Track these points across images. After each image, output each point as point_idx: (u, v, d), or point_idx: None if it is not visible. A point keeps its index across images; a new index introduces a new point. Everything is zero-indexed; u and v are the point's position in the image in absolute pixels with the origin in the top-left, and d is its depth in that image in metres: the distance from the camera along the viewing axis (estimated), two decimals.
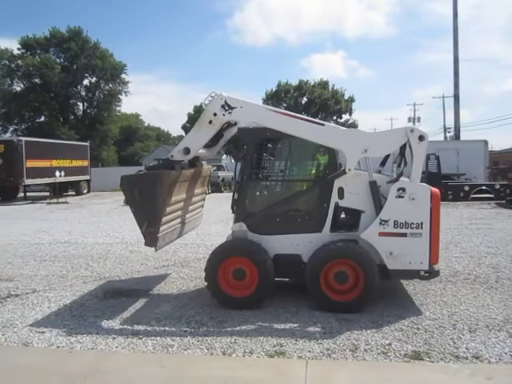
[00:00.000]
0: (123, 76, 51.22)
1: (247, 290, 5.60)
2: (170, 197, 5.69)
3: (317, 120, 5.67)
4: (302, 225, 5.77)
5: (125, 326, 5.20)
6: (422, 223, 5.37)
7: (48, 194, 28.33)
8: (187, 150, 5.74)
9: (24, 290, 6.75)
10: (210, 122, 5.61)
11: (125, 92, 52.00)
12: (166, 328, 5.15)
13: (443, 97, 48.49)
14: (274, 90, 45.47)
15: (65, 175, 25.95)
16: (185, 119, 58.03)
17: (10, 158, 24.67)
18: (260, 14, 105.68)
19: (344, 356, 4.40)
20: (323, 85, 44.26)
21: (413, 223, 5.38)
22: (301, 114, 34.54)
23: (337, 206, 5.68)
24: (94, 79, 50.64)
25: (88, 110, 51.69)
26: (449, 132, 45.37)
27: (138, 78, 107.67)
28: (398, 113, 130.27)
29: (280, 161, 6.11)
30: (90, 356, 4.39)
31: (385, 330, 5.01)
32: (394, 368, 4.17)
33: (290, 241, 5.70)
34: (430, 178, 21.25)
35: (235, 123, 6.23)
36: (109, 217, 16.41)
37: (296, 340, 4.77)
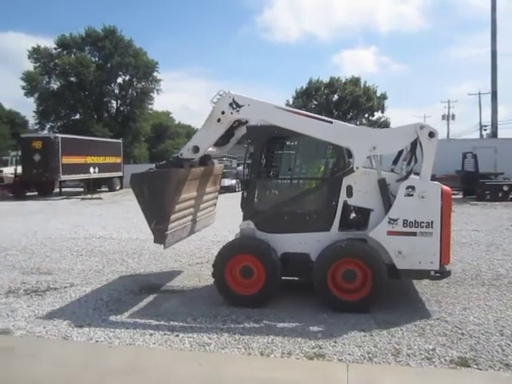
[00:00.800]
0: (155, 74, 51.88)
1: (254, 288, 5.57)
2: (179, 195, 5.71)
3: (324, 117, 5.59)
4: (310, 223, 5.72)
5: (161, 323, 5.20)
6: (432, 222, 5.24)
7: (82, 189, 29.04)
8: (196, 149, 5.74)
9: (62, 284, 6.87)
10: (219, 120, 5.61)
11: (157, 90, 52.69)
12: (202, 326, 5.11)
13: (479, 93, 47.05)
14: (304, 87, 45.08)
15: (98, 171, 26.47)
16: None
17: (46, 155, 25.38)
18: (289, 10, 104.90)
19: (386, 360, 4.25)
20: (355, 81, 43.63)
21: (422, 222, 5.25)
22: (332, 111, 34.39)
23: (345, 204, 5.61)
24: (127, 77, 51.50)
25: (121, 108, 52.61)
26: (485, 130, 43.93)
27: (168, 76, 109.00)
28: (431, 110, 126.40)
29: (288, 159, 6.07)
30: (129, 352, 4.41)
31: (427, 334, 4.82)
32: (440, 375, 4.00)
33: (298, 239, 5.66)
34: (466, 177, 20.70)
35: (246, 121, 6.17)
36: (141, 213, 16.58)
37: (335, 342, 4.65)
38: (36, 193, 27.49)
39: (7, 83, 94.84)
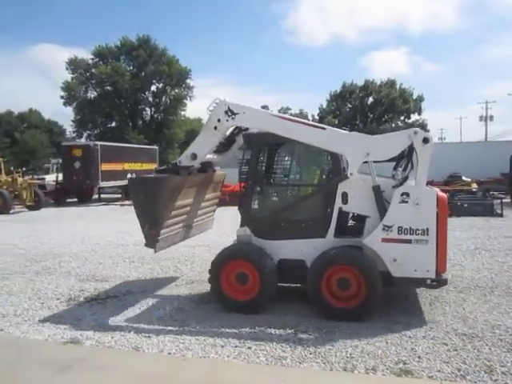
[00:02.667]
0: (188, 81, 52.44)
1: (249, 294, 5.56)
2: (174, 201, 5.77)
3: (318, 124, 5.60)
4: (306, 230, 5.68)
5: (229, 334, 5.01)
6: (427, 229, 5.12)
7: (120, 195, 29.45)
8: (194, 156, 5.81)
9: (120, 292, 6.80)
10: (215, 127, 5.69)
11: (189, 97, 53.22)
12: (273, 337, 4.89)
13: None
14: (338, 90, 44.57)
15: None
16: None
17: (86, 162, 25.88)
18: (315, 13, 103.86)
19: (481, 379, 3.93)
20: (390, 84, 42.79)
21: (418, 229, 5.14)
22: (366, 114, 33.89)
23: (341, 211, 5.56)
24: (160, 85, 52.23)
25: (155, 115, 53.38)
26: None
27: (197, 83, 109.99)
28: (466, 111, 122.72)
29: (283, 165, 6.10)
30: (205, 365, 4.23)
31: None
32: None
33: (295, 246, 5.65)
34: None
35: (247, 128, 6.17)
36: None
37: (419, 358, 4.36)
38: (76, 199, 28.07)
39: (44, 93, 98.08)
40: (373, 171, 5.44)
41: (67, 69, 50.16)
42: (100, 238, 12.12)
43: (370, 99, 43.66)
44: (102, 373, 4.05)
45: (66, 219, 17.84)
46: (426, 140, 5.17)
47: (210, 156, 6.25)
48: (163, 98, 52.93)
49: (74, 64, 50.08)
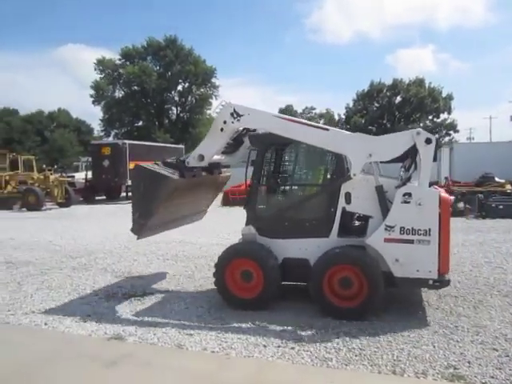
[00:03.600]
0: (213, 80, 52.76)
1: (253, 292, 5.63)
2: (170, 200, 5.93)
3: (321, 125, 5.67)
4: (309, 229, 5.72)
5: (270, 333, 4.95)
6: (429, 230, 5.11)
7: None
8: (202, 157, 5.91)
9: (157, 289, 6.83)
10: (222, 129, 5.78)
11: (215, 96, 53.53)
12: (316, 338, 4.81)
13: None
14: (365, 89, 44.04)
15: None
16: None
17: (115, 160, 26.28)
18: (340, 11, 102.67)
19: None
20: (419, 82, 42.00)
21: (420, 230, 5.13)
22: (394, 113, 33.34)
23: (344, 210, 5.57)
24: (186, 84, 52.71)
25: (181, 114, 53.93)
26: None
27: (221, 82, 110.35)
28: (496, 110, 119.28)
29: (288, 165, 6.21)
30: (250, 365, 4.19)
31: None
32: None
33: (299, 245, 5.69)
34: None
35: (254, 130, 6.26)
36: (210, 217, 16.63)
37: (469, 363, 4.21)
38: (104, 197, 28.56)
39: (70, 93, 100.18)
40: (375, 171, 5.48)
41: (95, 69, 51.19)
42: (131, 235, 12.20)
43: (398, 98, 42.97)
44: (148, 369, 4.05)
45: (97, 216, 18.15)
46: (428, 140, 5.15)
47: (218, 157, 6.35)
48: (189, 98, 53.46)
49: (102, 64, 51.05)
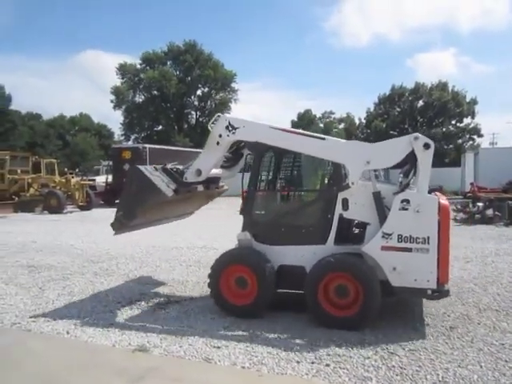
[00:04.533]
0: (233, 85, 52.79)
1: (248, 299, 5.53)
2: (158, 209, 6.03)
3: (317, 134, 5.56)
4: (306, 236, 5.59)
5: (303, 347, 4.67)
6: (428, 238, 4.92)
7: None
8: (199, 172, 5.87)
9: (181, 297, 6.61)
10: (218, 143, 5.74)
11: (234, 100, 53.55)
12: (351, 354, 4.51)
13: None
14: (386, 93, 43.45)
15: None
16: (288, 127, 58.19)
17: (135, 164, 26.34)
18: (359, 14, 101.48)
19: None
20: (442, 86, 41.21)
21: (418, 238, 4.96)
22: (416, 118, 32.67)
23: (341, 217, 5.42)
24: (206, 89, 52.87)
25: (200, 119, 54.06)
26: None
27: (240, 87, 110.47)
28: None
29: (285, 171, 6.16)
30: (284, 383, 3.90)
31: None
32: None
33: (295, 252, 5.58)
34: None
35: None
36: (233, 223, 16.42)
37: None
38: None
39: (91, 98, 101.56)
40: (373, 177, 5.34)
41: (117, 74, 51.73)
42: (152, 240, 12.07)
43: (420, 102, 42.21)
44: None
45: None
46: (427, 145, 5.01)
47: (217, 171, 6.33)
48: (208, 102, 53.56)
49: (123, 69, 51.53)
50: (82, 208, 22.91)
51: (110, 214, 19.60)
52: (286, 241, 5.65)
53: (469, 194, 24.71)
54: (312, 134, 5.58)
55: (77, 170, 33.47)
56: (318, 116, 61.22)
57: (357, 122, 47.29)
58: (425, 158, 5.04)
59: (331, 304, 5.22)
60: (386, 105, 42.91)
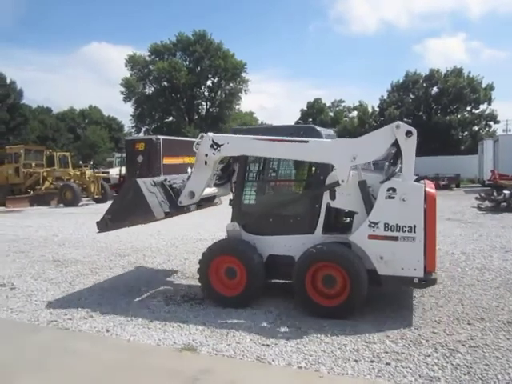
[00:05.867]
0: (243, 75, 52.26)
1: (237, 289, 5.56)
2: (145, 223, 6.22)
3: (300, 138, 5.44)
4: (294, 226, 5.61)
5: (356, 343, 4.42)
6: (414, 226, 4.89)
7: None
8: (192, 194, 5.92)
9: None
10: (205, 162, 5.75)
11: (244, 90, 53.08)
12: (411, 352, 4.24)
13: None
14: (400, 81, 42.71)
15: None
16: (297, 116, 57.66)
17: (149, 156, 26.01)
18: (364, 0, 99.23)
19: None
20: (457, 72, 40.37)
21: (405, 226, 4.93)
22: (430, 105, 31.89)
23: (329, 206, 5.40)
24: (216, 79, 52.41)
25: (210, 109, 53.72)
26: None
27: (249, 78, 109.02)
28: None
29: (273, 161, 6.06)
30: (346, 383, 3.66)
31: None
32: None
33: (283, 242, 5.60)
34: None
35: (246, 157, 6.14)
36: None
37: None
38: None
39: (99, 91, 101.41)
40: (359, 166, 5.27)
41: (126, 65, 51.39)
42: (176, 232, 11.89)
43: (435, 89, 41.43)
44: None
45: None
46: (408, 133, 4.94)
47: (211, 190, 6.38)
48: (218, 93, 53.15)
49: (132, 61, 51.20)
50: (97, 201, 22.82)
51: None
52: (275, 231, 5.66)
53: (489, 182, 24.29)
54: (295, 138, 5.48)
55: (92, 163, 33.35)
56: (327, 105, 60.65)
57: (370, 110, 46.63)
58: (408, 146, 4.97)
59: (318, 293, 5.20)
60: (399, 92, 42.17)
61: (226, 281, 5.63)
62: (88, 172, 23.37)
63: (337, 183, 5.22)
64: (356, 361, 4.09)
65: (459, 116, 41.10)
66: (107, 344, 4.56)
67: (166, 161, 28.97)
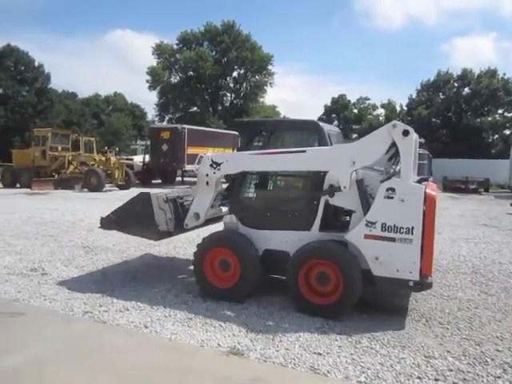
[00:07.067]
0: (269, 67, 51.72)
1: (230, 282, 5.52)
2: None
3: (298, 149, 5.37)
4: (291, 222, 5.53)
5: (415, 359, 4.06)
6: (412, 228, 4.74)
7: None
8: (197, 216, 5.90)
9: (255, 290, 6.03)
10: (207, 183, 5.77)
11: (270, 83, 52.57)
12: (477, 371, 3.87)
13: None
14: (430, 80, 41.66)
15: None
16: (321, 111, 56.95)
17: (174, 145, 26.04)
18: None
19: None
20: (491, 73, 39.15)
21: (402, 227, 4.78)
22: (461, 106, 30.95)
23: (327, 204, 5.30)
24: (242, 71, 52.00)
25: (235, 101, 53.37)
26: None
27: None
28: None
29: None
30: None
31: None
32: None
33: (280, 237, 5.54)
34: None
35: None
36: None
37: None
38: (160, 181, 28.49)
39: (122, 78, 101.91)
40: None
41: (153, 53, 51.36)
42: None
43: (467, 90, 40.28)
44: None
45: None
46: (405, 132, 4.80)
47: (215, 211, 6.27)
48: (244, 84, 52.74)
49: (160, 49, 51.11)
50: (121, 187, 22.75)
51: None
52: (272, 225, 5.60)
53: None
54: (292, 149, 5.40)
55: (117, 149, 33.40)
56: (352, 101, 59.66)
57: (398, 108, 45.68)
58: (405, 146, 4.83)
59: (312, 291, 5.14)
60: (429, 91, 41.13)
61: (219, 273, 5.62)
62: (113, 158, 23.30)
63: (338, 188, 5.12)
64: (419, 378, 3.74)
65: (490, 119, 39.92)
66: (147, 341, 4.29)
67: (190, 150, 28.67)
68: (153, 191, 6.11)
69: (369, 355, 4.12)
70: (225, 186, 6.63)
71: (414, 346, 4.37)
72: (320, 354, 4.12)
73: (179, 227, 6.03)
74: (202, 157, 5.85)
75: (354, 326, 4.82)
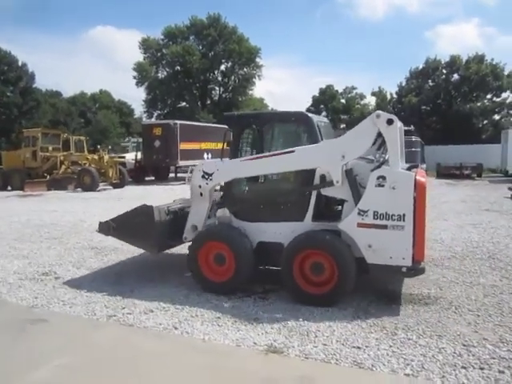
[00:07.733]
0: (257, 60, 51.33)
1: (225, 275, 5.55)
2: None
3: (287, 150, 5.37)
4: (284, 213, 5.58)
5: (455, 347, 4.00)
6: (404, 215, 4.80)
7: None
8: (195, 227, 5.92)
9: (277, 283, 5.91)
10: (201, 194, 5.81)
11: (258, 76, 52.22)
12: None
13: None
14: (419, 67, 41.71)
15: (211, 157, 26.33)
16: (309, 103, 56.86)
17: (166, 141, 25.76)
18: None
19: None
20: (479, 59, 39.29)
21: (394, 215, 4.85)
22: (450, 92, 30.83)
23: (319, 194, 5.35)
24: (229, 64, 51.53)
25: (223, 95, 52.93)
26: None
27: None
28: None
29: (264, 147, 5.90)
30: None
31: None
32: None
33: (273, 229, 5.57)
34: None
35: None
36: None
37: None
38: (153, 178, 28.20)
39: (106, 75, 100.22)
40: None
41: (139, 48, 50.66)
42: None
43: (456, 76, 40.40)
44: None
45: (155, 197, 17.51)
46: (389, 121, 4.87)
47: (212, 222, 6.13)
48: (232, 78, 52.32)
49: (146, 44, 50.43)
50: (115, 185, 22.45)
51: (145, 191, 19.32)
52: (265, 217, 5.62)
53: None
54: (281, 151, 5.40)
55: (110, 148, 32.93)
56: (339, 91, 59.50)
57: (388, 96, 45.71)
58: (390, 134, 4.88)
59: (306, 280, 5.17)
60: (418, 79, 41.18)
61: (214, 267, 5.62)
62: (106, 156, 22.96)
63: (331, 183, 5.15)
64: (464, 368, 3.68)
65: (479, 104, 40.14)
66: (181, 344, 4.16)
67: (183, 146, 28.32)
68: (155, 206, 6.03)
69: (408, 346, 4.06)
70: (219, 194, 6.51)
71: (450, 334, 4.31)
72: (359, 347, 4.04)
73: (179, 241, 6.08)
74: (192, 169, 5.77)
75: (384, 317, 4.75)
